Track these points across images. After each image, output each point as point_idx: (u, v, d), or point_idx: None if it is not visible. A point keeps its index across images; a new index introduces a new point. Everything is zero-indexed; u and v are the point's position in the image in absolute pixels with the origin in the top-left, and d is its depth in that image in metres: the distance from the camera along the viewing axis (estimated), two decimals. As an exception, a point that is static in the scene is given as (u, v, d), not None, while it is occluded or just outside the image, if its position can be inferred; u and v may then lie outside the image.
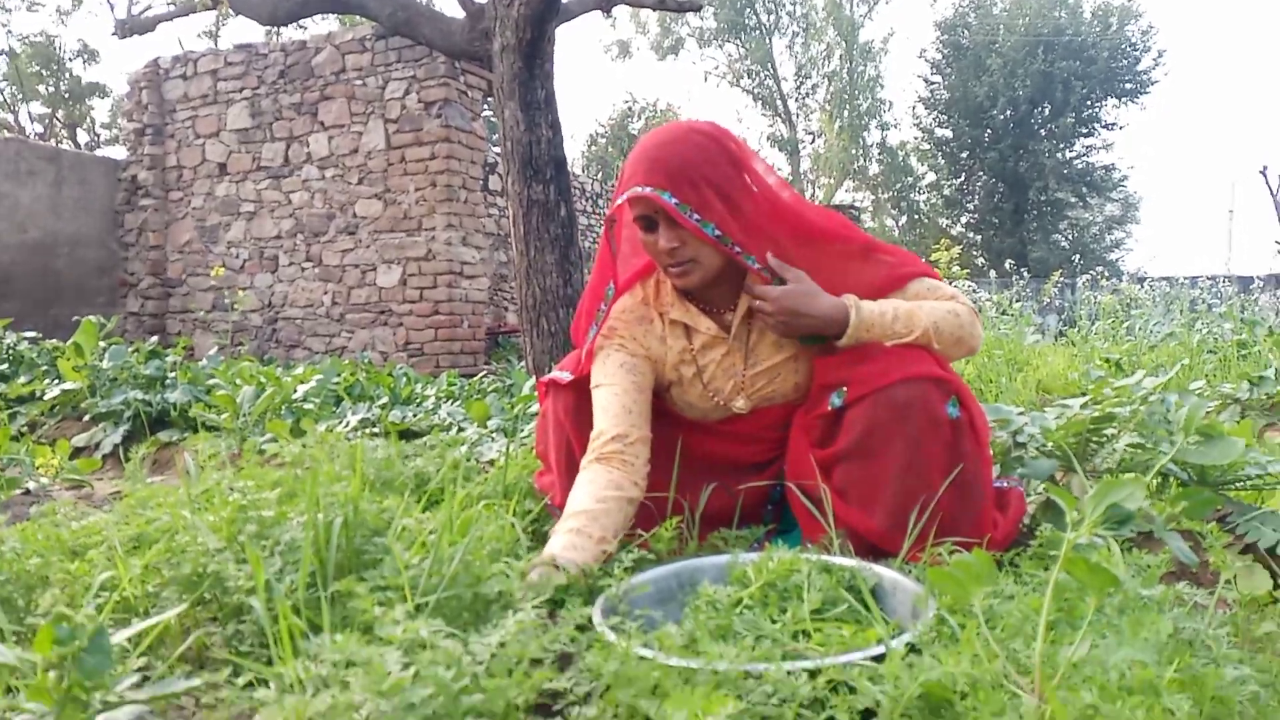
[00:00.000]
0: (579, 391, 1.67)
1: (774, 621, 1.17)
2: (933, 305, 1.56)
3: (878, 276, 1.61)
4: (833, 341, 1.55)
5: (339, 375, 4.18)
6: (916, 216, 30.35)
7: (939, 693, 0.79)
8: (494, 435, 3.05)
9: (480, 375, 5.86)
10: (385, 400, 3.88)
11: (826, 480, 1.53)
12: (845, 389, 1.53)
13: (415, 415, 3.54)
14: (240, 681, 0.86)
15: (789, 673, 0.88)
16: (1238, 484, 1.56)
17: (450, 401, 4.27)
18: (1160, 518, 1.44)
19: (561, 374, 1.71)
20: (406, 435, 3.22)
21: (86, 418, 3.73)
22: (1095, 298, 9.70)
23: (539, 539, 1.74)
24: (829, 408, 1.55)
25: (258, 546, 1.27)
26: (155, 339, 4.19)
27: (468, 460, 2.33)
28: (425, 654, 0.80)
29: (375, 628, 0.83)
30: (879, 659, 0.89)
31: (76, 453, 3.53)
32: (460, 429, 3.19)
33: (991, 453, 1.63)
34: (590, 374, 1.66)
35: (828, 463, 1.55)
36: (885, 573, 1.29)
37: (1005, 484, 1.66)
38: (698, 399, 1.71)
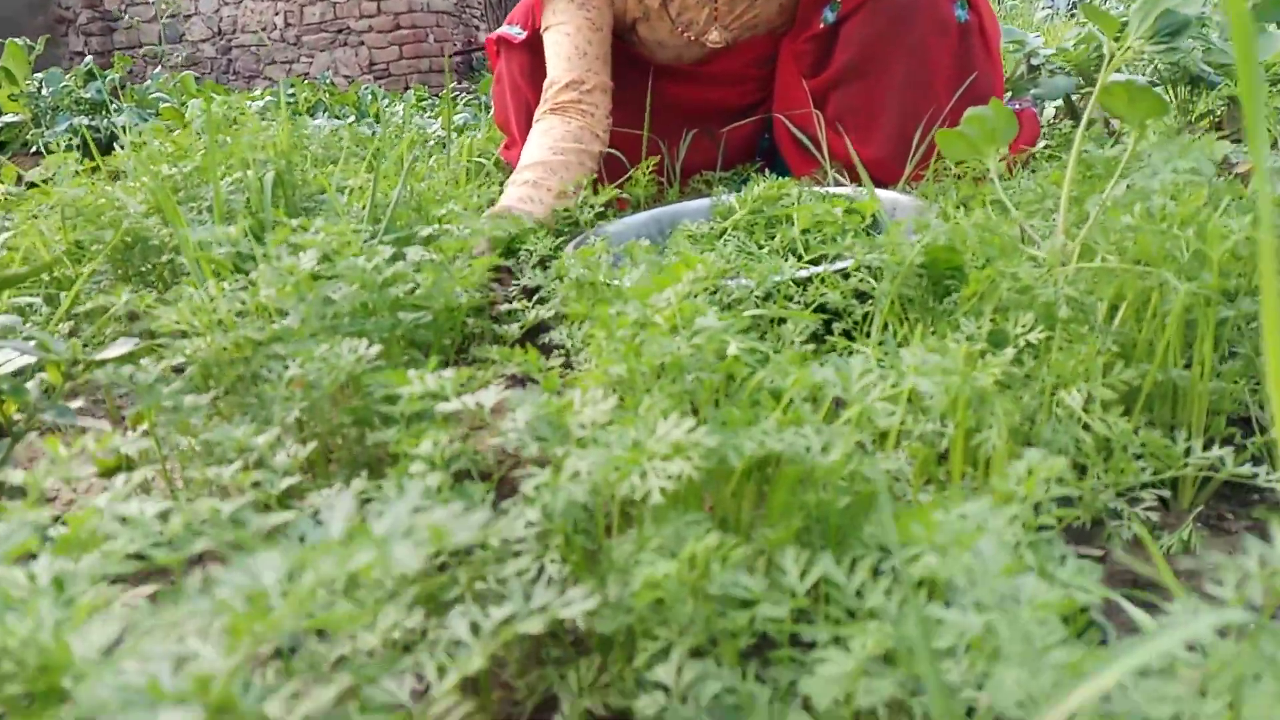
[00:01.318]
0: (534, 51, 1.47)
1: (761, 246, 1.06)
2: None
3: None
4: None
5: (293, 90, 3.88)
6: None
7: (946, 260, 0.68)
8: (464, 130, 2.85)
9: (450, 88, 5.49)
10: (352, 119, 3.63)
11: (820, 111, 1.37)
12: (839, 1, 1.32)
13: (384, 131, 3.30)
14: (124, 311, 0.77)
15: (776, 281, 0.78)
16: None
17: (422, 114, 4.00)
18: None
19: (512, 29, 1.50)
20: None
21: (33, 151, 3.52)
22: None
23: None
24: (821, 25, 1.35)
25: (186, 210, 1.14)
26: (90, 59, 3.85)
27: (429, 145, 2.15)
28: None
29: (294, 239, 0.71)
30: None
31: (31, 188, 3.36)
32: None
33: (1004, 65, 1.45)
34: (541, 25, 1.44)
35: (821, 91, 1.38)
36: (883, 194, 1.16)
37: (1018, 105, 1.49)
38: (668, 35, 1.50)
